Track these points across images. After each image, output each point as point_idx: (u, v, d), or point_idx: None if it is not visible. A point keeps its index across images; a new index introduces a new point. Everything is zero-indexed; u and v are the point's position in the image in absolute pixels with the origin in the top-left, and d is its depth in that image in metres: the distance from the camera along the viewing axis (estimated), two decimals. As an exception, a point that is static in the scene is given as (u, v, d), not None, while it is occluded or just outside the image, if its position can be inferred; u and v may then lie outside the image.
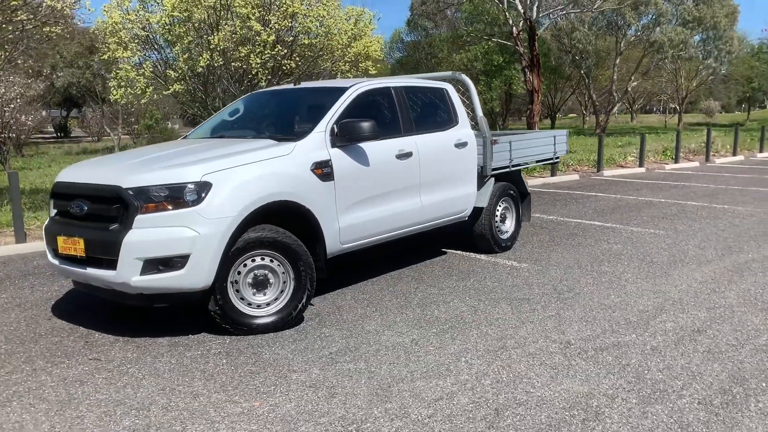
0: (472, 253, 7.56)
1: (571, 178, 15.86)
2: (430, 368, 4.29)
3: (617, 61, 38.87)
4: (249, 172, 4.86)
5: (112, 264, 4.61)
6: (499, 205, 7.55)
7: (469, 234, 7.42)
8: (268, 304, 5.00)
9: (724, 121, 54.39)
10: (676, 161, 19.05)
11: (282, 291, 5.03)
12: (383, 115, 6.10)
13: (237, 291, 4.88)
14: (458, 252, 7.67)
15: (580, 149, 22.44)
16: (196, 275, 4.57)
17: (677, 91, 44.95)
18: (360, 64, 17.80)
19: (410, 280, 6.51)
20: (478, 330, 4.99)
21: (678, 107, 46.15)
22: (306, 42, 17.05)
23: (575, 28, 37.93)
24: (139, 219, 4.52)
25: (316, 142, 5.40)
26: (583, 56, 39.07)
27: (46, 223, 5.28)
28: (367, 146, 5.68)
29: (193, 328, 5.11)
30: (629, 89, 39.86)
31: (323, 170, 5.35)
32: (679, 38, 34.73)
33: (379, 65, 17.05)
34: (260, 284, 4.97)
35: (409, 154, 6.13)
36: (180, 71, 15.99)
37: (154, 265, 4.54)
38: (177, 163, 4.82)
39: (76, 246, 4.77)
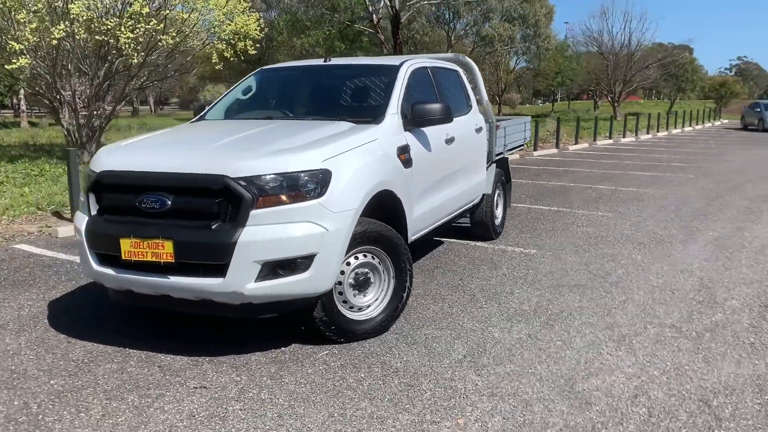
0: (469, 241, 7.39)
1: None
2: (590, 363, 4.08)
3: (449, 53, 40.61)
4: (358, 159, 4.26)
5: (217, 270, 3.79)
6: (496, 191, 7.46)
7: (469, 221, 7.24)
8: (368, 306, 4.45)
9: (529, 112, 59.29)
10: (535, 149, 20.29)
11: (382, 290, 4.49)
12: (430, 97, 5.70)
13: (340, 293, 4.27)
14: (454, 240, 7.46)
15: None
16: (321, 278, 3.92)
17: (497, 84, 48.11)
18: (239, 43, 16.72)
19: (443, 271, 6.20)
20: (580, 319, 4.87)
21: (498, 98, 49.56)
22: (185, 16, 15.70)
23: (413, 18, 38.96)
24: (255, 215, 3.76)
25: (394, 126, 4.90)
26: (418, 47, 40.26)
27: (83, 222, 4.20)
28: (428, 130, 5.27)
29: (268, 339, 4.42)
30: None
31: (405, 156, 4.88)
32: (507, 34, 37.11)
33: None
34: (362, 284, 4.40)
35: (452, 139, 5.81)
36: (26, 43, 13.84)
37: (272, 268, 3.81)
38: (285, 148, 4.06)
39: (158, 250, 3.84)
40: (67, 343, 4.44)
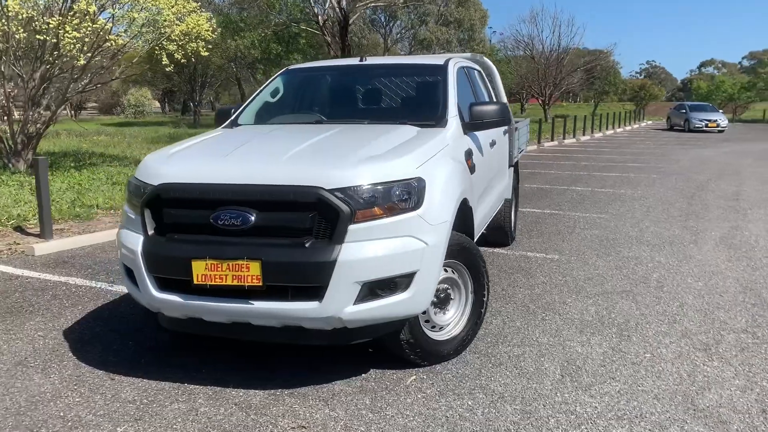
0: (485, 248, 7.14)
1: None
2: (694, 376, 3.88)
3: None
4: (442, 166, 3.91)
5: (310, 293, 3.36)
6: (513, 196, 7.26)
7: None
8: (448, 325, 4.11)
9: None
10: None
11: (462, 307, 4.16)
12: (470, 97, 5.41)
13: (423, 312, 3.91)
14: (471, 247, 7.17)
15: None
16: (421, 298, 3.56)
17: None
18: (190, 44, 15.99)
19: (481, 281, 5.91)
20: (650, 329, 4.68)
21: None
22: (135, 16, 14.84)
23: (353, 22, 38.66)
24: (353, 230, 3.35)
25: (457, 129, 4.58)
26: (354, 52, 39.98)
27: (138, 243, 3.66)
28: (479, 133, 4.99)
29: (332, 363, 4.02)
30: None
31: (471, 161, 4.57)
32: (444, 37, 37.39)
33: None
34: (443, 301, 4.06)
35: (494, 143, 5.55)
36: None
37: (371, 289, 3.41)
38: (372, 155, 3.66)
39: (241, 273, 3.36)
40: (111, 380, 3.89)
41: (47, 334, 4.66)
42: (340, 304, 3.33)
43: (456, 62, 5.30)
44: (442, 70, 5.05)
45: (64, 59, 14.30)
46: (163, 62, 15.44)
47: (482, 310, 4.24)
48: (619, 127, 37.54)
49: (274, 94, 5.39)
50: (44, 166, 7.83)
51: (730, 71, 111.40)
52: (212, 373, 3.94)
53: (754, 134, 32.82)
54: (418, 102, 5.03)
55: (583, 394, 3.65)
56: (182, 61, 16.72)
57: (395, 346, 3.84)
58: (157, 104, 69.44)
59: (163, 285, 3.59)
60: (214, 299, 3.47)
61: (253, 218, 3.38)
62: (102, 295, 5.59)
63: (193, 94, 44.67)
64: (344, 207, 3.31)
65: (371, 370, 3.96)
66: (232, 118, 5.08)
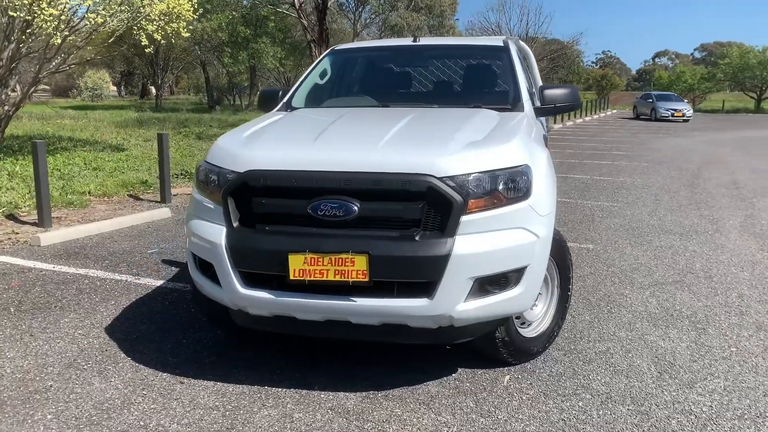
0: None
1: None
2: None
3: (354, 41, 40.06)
4: (540, 152, 3.69)
5: (418, 289, 3.11)
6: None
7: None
8: (536, 320, 3.90)
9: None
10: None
11: (548, 301, 3.97)
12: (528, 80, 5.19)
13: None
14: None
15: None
16: (530, 294, 3.34)
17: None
18: (170, 24, 15.41)
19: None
20: (721, 321, 4.57)
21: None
22: (114, -7, 14.18)
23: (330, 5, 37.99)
24: (465, 222, 3.11)
25: (531, 113, 4.36)
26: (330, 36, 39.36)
27: (221, 235, 3.33)
28: (542, 118, 4.78)
29: (412, 361, 3.79)
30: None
31: (547, 148, 4.36)
32: (416, 23, 37.07)
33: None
34: (530, 297, 3.84)
35: (548, 129, 5.34)
36: None
37: (482, 285, 3.17)
38: (474, 140, 3.41)
39: (345, 267, 3.08)
40: (180, 383, 3.58)
41: (88, 332, 4.30)
42: (452, 302, 3.09)
43: (514, 43, 5.06)
44: (505, 51, 4.82)
45: (38, 38, 13.58)
46: (143, 43, 14.81)
47: (566, 305, 4.05)
48: (587, 116, 37.94)
49: (322, 75, 5.08)
50: (42, 149, 7.35)
51: (683, 62, 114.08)
52: (290, 374, 3.66)
53: (719, 124, 33.58)
54: (485, 85, 4.80)
55: (690, 392, 3.49)
56: (161, 42, 16.11)
57: (490, 345, 3.62)
58: (113, 87, 67.34)
59: (250, 281, 3.28)
60: (311, 296, 3.19)
61: (356, 208, 3.09)
62: (131, 288, 5.22)
63: (154, 77, 43.41)
64: (457, 197, 3.06)
65: (459, 370, 3.74)
66: (285, 100, 4.74)
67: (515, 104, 4.29)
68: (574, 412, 3.27)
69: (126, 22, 15.46)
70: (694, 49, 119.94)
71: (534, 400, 3.39)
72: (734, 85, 54.30)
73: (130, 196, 9.44)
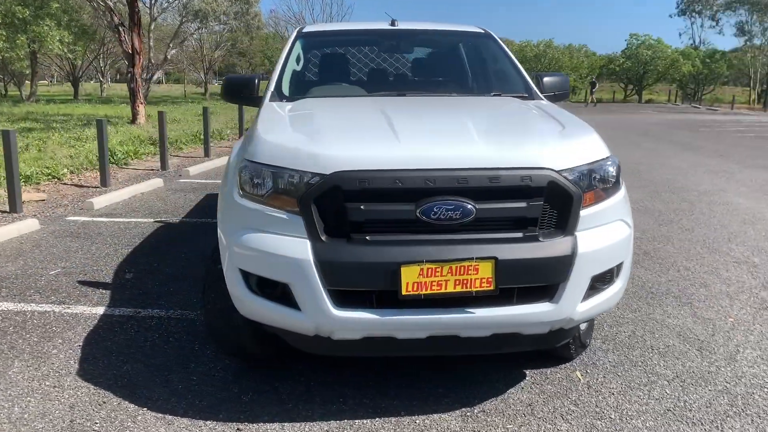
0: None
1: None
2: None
3: (152, 27, 37.42)
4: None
5: (539, 293, 2.88)
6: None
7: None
8: (582, 313, 3.85)
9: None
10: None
11: (591, 291, 3.93)
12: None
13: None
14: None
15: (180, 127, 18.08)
16: (623, 288, 3.25)
17: (202, 61, 45.89)
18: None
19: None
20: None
21: (204, 76, 47.24)
22: None
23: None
24: (583, 217, 2.94)
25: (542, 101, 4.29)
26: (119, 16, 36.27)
27: (307, 250, 2.78)
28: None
29: (478, 373, 3.57)
30: (169, 57, 38.89)
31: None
32: (221, 8, 35.56)
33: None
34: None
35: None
36: None
37: (594, 283, 3.02)
38: (559, 131, 3.22)
39: (468, 276, 2.74)
40: None
41: (59, 382, 3.44)
42: (573, 303, 2.90)
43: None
44: (492, 38, 4.70)
45: None
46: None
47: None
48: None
49: (297, 61, 4.53)
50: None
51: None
52: (358, 402, 3.22)
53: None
54: (487, 72, 4.61)
55: (742, 364, 3.66)
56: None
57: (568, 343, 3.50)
58: None
59: (342, 300, 2.80)
60: (421, 311, 2.80)
61: (474, 209, 2.77)
62: (68, 321, 4.31)
63: None
64: (576, 190, 2.87)
65: (527, 372, 3.56)
66: (273, 89, 4.12)
67: (529, 92, 4.19)
68: (675, 401, 3.26)
69: None
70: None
71: (624, 393, 3.33)
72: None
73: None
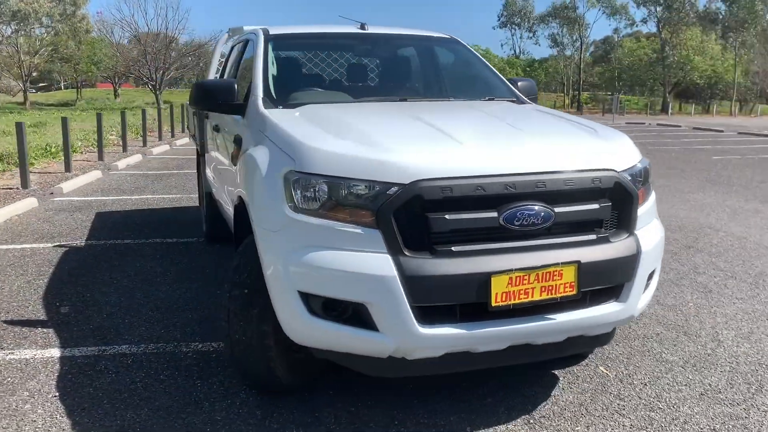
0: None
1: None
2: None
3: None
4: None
5: (608, 293, 2.91)
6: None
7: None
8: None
9: (47, 100, 52.48)
10: (125, 149, 18.95)
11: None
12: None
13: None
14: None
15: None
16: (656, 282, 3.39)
17: (20, 68, 41.57)
18: None
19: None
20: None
21: (24, 84, 42.75)
22: None
23: None
24: (639, 216, 3.03)
25: (535, 106, 4.38)
26: None
27: (388, 265, 2.58)
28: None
29: (514, 379, 3.57)
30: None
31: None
32: (44, 10, 32.61)
33: None
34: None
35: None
36: None
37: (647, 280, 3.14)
38: (592, 133, 3.27)
39: (553, 282, 2.69)
40: None
41: (61, 441, 2.92)
42: (636, 300, 2.99)
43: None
44: (461, 43, 4.72)
45: None
46: None
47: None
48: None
49: (272, 65, 4.21)
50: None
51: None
52: (416, 422, 3.07)
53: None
54: (471, 77, 4.57)
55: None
56: None
57: None
58: None
59: (426, 317, 2.65)
60: (505, 322, 2.72)
61: (552, 213, 2.74)
62: (18, 368, 3.70)
63: None
64: (635, 190, 2.95)
65: (554, 373, 3.59)
66: (263, 95, 3.77)
67: (517, 96, 4.24)
68: (697, 384, 3.44)
69: None
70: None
71: (654, 383, 3.47)
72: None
73: None
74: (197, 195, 7.75)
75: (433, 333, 2.62)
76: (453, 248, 2.64)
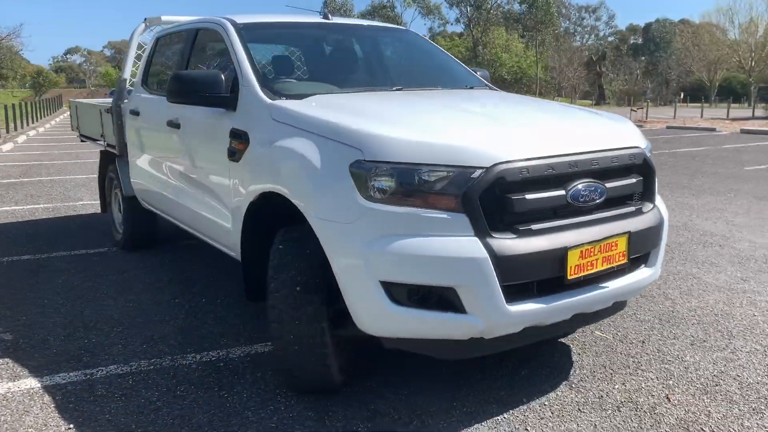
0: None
1: None
2: None
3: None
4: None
5: (641, 260, 3.20)
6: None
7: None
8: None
9: None
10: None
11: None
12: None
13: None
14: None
15: None
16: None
17: None
18: None
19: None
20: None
21: None
22: None
23: None
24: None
25: (506, 95, 4.62)
26: None
27: (477, 247, 2.62)
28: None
29: (528, 366, 3.76)
30: None
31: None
32: None
33: None
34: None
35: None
36: None
37: (658, 248, 3.48)
38: (605, 116, 3.54)
39: (611, 252, 2.90)
40: None
41: None
42: (660, 264, 3.31)
43: None
44: (419, 35, 4.84)
45: None
46: None
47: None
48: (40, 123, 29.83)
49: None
50: None
51: (96, 59, 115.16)
52: (466, 412, 3.15)
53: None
54: (441, 66, 4.63)
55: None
56: None
57: None
58: None
59: (512, 295, 2.75)
60: (576, 292, 2.90)
61: (605, 189, 2.98)
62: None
63: None
64: (654, 166, 3.27)
65: (557, 356, 3.83)
66: (259, 84, 3.57)
67: (487, 85, 4.43)
68: (701, 342, 3.86)
69: None
70: (103, 47, 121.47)
71: (663, 342, 3.82)
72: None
73: None
74: (98, 201, 7.04)
75: (518, 310, 2.71)
76: (533, 227, 2.75)
